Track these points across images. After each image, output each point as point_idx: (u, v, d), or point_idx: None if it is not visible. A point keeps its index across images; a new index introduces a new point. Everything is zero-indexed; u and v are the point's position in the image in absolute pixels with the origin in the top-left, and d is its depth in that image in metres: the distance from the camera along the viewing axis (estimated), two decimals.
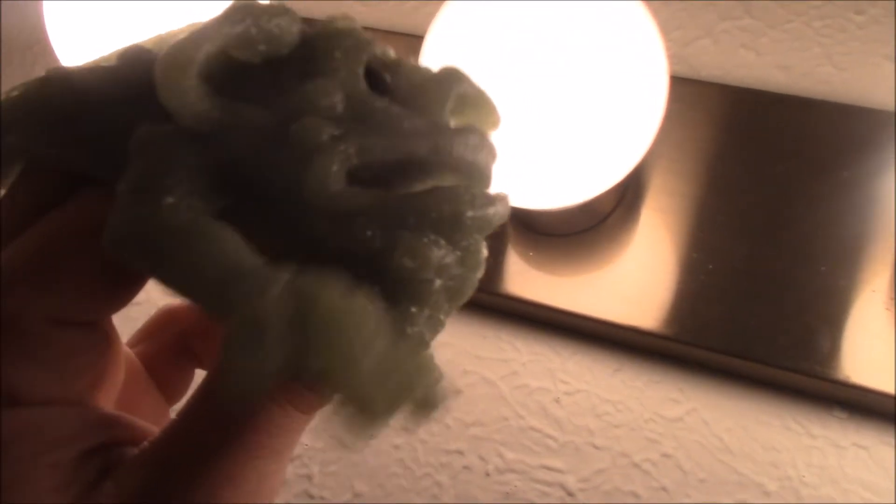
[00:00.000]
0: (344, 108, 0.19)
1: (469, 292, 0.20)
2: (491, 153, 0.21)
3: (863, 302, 0.43)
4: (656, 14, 0.41)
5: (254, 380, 0.16)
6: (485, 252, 0.20)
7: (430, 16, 0.57)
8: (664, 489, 0.44)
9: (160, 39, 0.22)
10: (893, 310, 0.43)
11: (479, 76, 0.39)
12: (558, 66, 0.39)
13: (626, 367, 0.47)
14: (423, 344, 0.19)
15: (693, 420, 0.45)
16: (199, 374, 0.28)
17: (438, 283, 0.19)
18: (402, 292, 0.19)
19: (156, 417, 0.25)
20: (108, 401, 0.22)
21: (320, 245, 0.19)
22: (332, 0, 0.59)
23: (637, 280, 0.46)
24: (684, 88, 0.50)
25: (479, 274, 0.20)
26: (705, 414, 0.45)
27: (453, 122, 0.21)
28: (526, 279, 0.48)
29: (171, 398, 0.26)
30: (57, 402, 0.19)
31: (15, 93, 0.21)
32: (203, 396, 0.19)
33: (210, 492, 0.18)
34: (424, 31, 0.56)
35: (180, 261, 0.18)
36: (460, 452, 0.47)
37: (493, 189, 0.21)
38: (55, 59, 0.50)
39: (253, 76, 0.20)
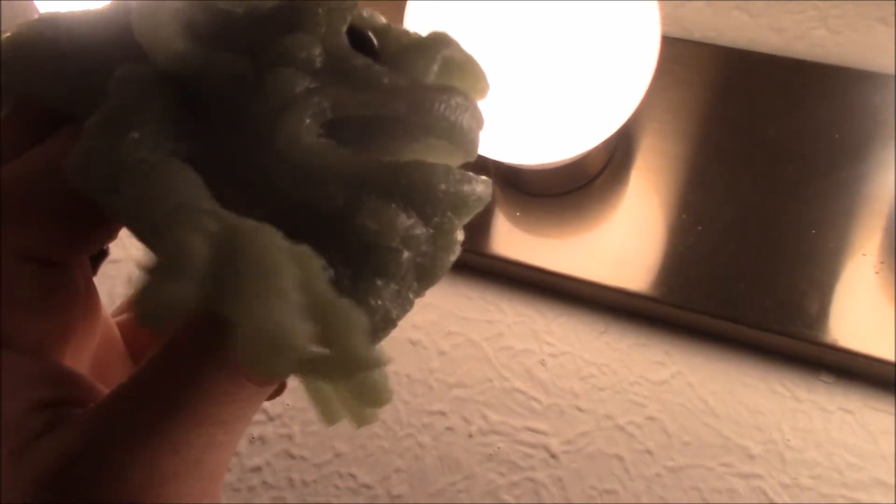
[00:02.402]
0: (323, 63, 0.19)
1: (440, 273, 0.19)
2: (475, 117, 0.20)
3: (853, 266, 0.43)
4: None
5: (163, 307, 0.16)
6: (460, 235, 0.20)
7: None
8: (648, 452, 0.43)
9: None
10: (883, 273, 0.42)
11: (467, 31, 0.38)
12: (548, 22, 0.38)
13: (612, 330, 0.46)
14: (389, 321, 0.19)
15: (678, 383, 0.44)
16: None
17: (406, 255, 0.19)
18: (366, 261, 0.18)
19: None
20: (77, 358, 0.21)
21: (285, 199, 0.19)
22: None
23: (625, 241, 0.46)
24: (677, 49, 0.49)
25: (452, 256, 0.20)
26: (691, 377, 0.44)
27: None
28: (512, 239, 0.47)
29: None
30: (13, 346, 0.19)
31: (7, 34, 0.22)
32: (154, 360, 0.18)
33: (150, 455, 0.17)
34: None
35: (133, 194, 0.17)
36: (443, 413, 0.46)
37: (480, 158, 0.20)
38: None
39: (235, 27, 0.20)
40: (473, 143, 0.20)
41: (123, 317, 0.26)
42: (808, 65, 0.48)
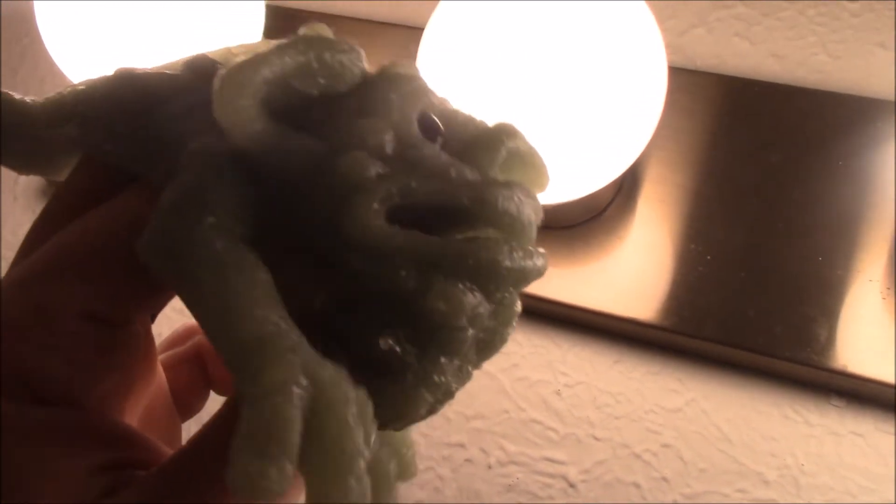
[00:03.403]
0: (393, 150, 0.19)
1: (499, 347, 0.20)
2: (536, 211, 0.20)
3: (859, 291, 0.44)
4: (649, 3, 0.41)
5: (259, 483, 0.16)
6: (518, 307, 0.20)
7: (422, 6, 0.57)
8: (665, 479, 0.44)
9: (228, 52, 0.23)
10: (890, 299, 0.43)
11: (479, 74, 0.39)
12: (558, 61, 0.39)
13: (626, 359, 0.47)
14: (449, 394, 0.19)
15: (692, 410, 0.45)
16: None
17: (471, 332, 0.19)
18: (432, 339, 0.19)
19: (169, 431, 0.25)
20: (133, 410, 0.22)
21: (353, 281, 0.19)
22: None
23: (635, 271, 0.47)
24: (681, 78, 0.50)
25: (511, 330, 0.20)
26: (704, 404, 0.45)
27: (501, 178, 0.21)
28: None
29: (185, 413, 0.26)
30: (79, 405, 0.19)
31: (81, 87, 0.22)
32: (217, 426, 0.19)
33: None
34: (417, 23, 0.56)
35: (207, 295, 0.17)
36: (462, 445, 0.47)
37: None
38: (45, 53, 0.49)
39: (309, 108, 0.20)
40: (531, 238, 0.20)
41: (162, 356, 0.27)
42: (810, 92, 0.49)
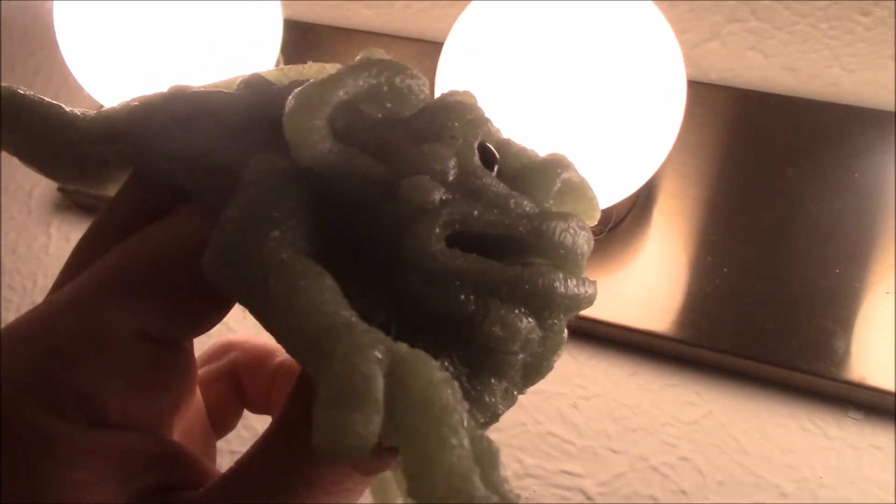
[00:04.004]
0: (455, 177, 0.20)
1: (545, 373, 0.20)
2: (588, 243, 0.21)
3: (877, 304, 0.44)
4: (664, 16, 0.41)
5: (350, 440, 0.15)
6: (566, 335, 0.20)
7: (437, 20, 0.58)
8: (683, 492, 0.44)
9: (280, 72, 0.23)
10: None
11: (497, 89, 0.39)
12: (578, 76, 0.39)
13: (643, 371, 0.47)
14: (496, 417, 0.19)
15: (710, 423, 0.45)
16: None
17: (521, 357, 0.19)
18: (484, 362, 0.19)
19: (204, 448, 0.25)
20: (179, 428, 0.22)
21: (410, 303, 0.19)
22: (337, 1, 0.59)
23: (652, 284, 0.47)
24: (696, 92, 0.50)
25: (557, 357, 0.20)
26: (722, 416, 0.45)
27: (555, 209, 0.21)
28: None
29: (219, 431, 0.26)
30: (134, 426, 0.19)
31: (135, 103, 0.22)
32: (265, 448, 0.19)
33: None
34: (431, 36, 0.56)
35: (277, 299, 0.17)
36: None
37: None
38: (59, 67, 0.49)
39: (371, 130, 0.20)
40: (582, 268, 0.21)
41: (199, 372, 0.26)
42: (824, 105, 0.49)
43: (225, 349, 0.27)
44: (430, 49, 0.43)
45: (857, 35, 0.51)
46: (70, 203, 0.60)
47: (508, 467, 0.46)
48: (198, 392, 0.25)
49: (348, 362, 0.16)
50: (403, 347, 0.17)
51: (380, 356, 0.16)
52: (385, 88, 0.20)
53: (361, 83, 0.19)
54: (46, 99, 0.23)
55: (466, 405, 0.17)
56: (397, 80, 0.20)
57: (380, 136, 0.20)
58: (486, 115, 0.21)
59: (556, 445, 0.46)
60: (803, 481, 0.43)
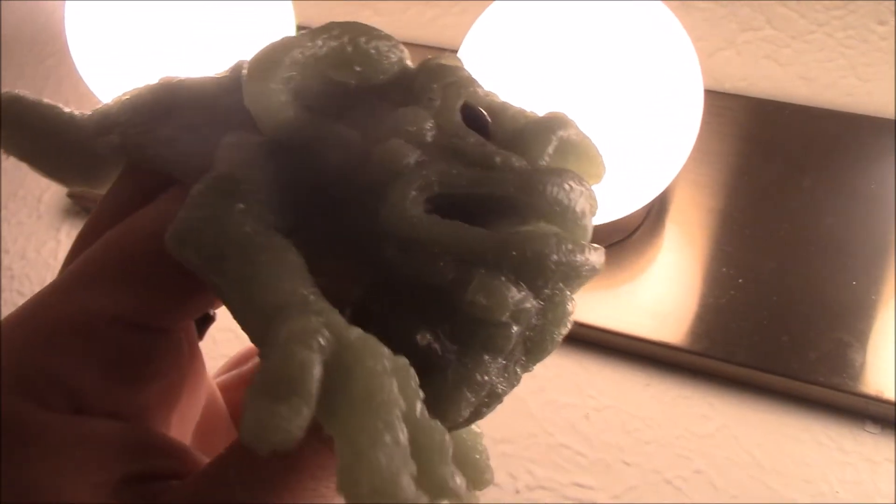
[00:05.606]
0: (434, 138, 0.19)
1: (550, 347, 0.19)
2: (590, 203, 0.19)
3: (894, 317, 0.43)
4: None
5: (273, 431, 0.14)
6: (571, 306, 0.19)
7: (450, 27, 0.57)
8: None
9: None
10: None
11: (512, 95, 0.39)
12: (592, 85, 0.39)
13: (656, 383, 0.46)
14: (495, 396, 0.18)
15: (724, 436, 0.45)
16: None
17: (516, 329, 0.18)
18: (474, 336, 0.18)
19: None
20: (183, 427, 0.21)
21: (389, 271, 0.18)
22: (350, 7, 0.59)
23: (665, 295, 0.46)
24: (711, 101, 0.49)
25: (564, 329, 0.19)
26: (736, 430, 0.45)
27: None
28: None
29: None
30: (118, 415, 0.19)
31: (126, 96, 0.22)
32: (238, 446, 0.18)
33: None
34: (444, 43, 0.56)
35: (236, 271, 0.17)
36: None
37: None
38: (70, 74, 0.49)
39: (348, 99, 0.19)
40: (586, 229, 0.19)
41: (223, 377, 0.26)
42: (839, 115, 0.48)
43: (251, 352, 0.27)
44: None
45: (872, 44, 0.51)
46: (79, 208, 0.60)
47: (519, 479, 0.46)
48: (216, 392, 0.24)
49: (286, 348, 0.15)
50: (355, 333, 0.16)
51: (322, 343, 0.15)
52: (349, 49, 0.19)
53: (320, 43, 0.18)
54: (45, 100, 0.23)
55: (422, 394, 0.16)
56: (362, 40, 0.19)
57: (354, 103, 0.19)
58: (473, 76, 0.20)
59: (568, 457, 0.46)
60: (819, 496, 0.43)
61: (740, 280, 0.45)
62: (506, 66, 0.39)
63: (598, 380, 0.47)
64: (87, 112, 0.23)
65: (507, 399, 0.50)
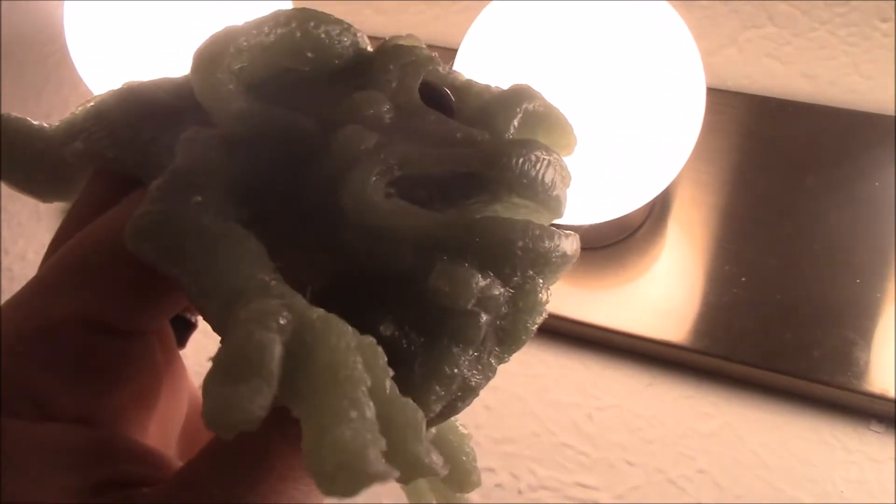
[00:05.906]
0: (392, 120, 0.18)
1: (524, 337, 0.18)
2: (560, 173, 0.18)
3: None
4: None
5: (233, 412, 0.14)
6: (544, 295, 0.18)
7: (451, 26, 0.57)
8: None
9: None
10: None
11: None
12: (594, 83, 0.38)
13: (659, 382, 0.46)
14: (469, 390, 0.18)
15: (727, 435, 0.44)
16: None
17: (484, 318, 0.17)
18: (441, 326, 0.17)
19: None
20: (164, 433, 0.21)
21: (353, 261, 0.18)
22: (350, 6, 0.59)
23: (668, 293, 0.46)
24: (713, 99, 0.49)
25: (538, 318, 0.18)
26: (740, 429, 0.44)
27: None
28: (554, 293, 0.47)
29: None
30: (88, 420, 0.19)
31: (91, 103, 0.22)
32: (210, 449, 0.18)
33: None
34: (445, 42, 0.56)
35: (196, 263, 0.16)
36: (492, 470, 0.46)
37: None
38: (70, 73, 0.49)
39: (302, 87, 0.19)
40: (558, 200, 0.19)
41: None
42: (842, 112, 0.48)
43: None
44: (444, 55, 0.42)
45: (875, 41, 0.51)
46: None
47: (522, 479, 0.46)
48: (198, 397, 0.24)
49: (245, 329, 0.15)
50: (316, 313, 0.16)
51: (283, 322, 0.15)
52: (298, 35, 0.19)
53: (266, 30, 0.18)
54: (13, 114, 0.23)
55: (391, 372, 0.16)
56: (310, 25, 0.19)
57: (310, 90, 0.19)
58: (432, 55, 0.19)
59: (571, 457, 0.46)
60: (824, 495, 0.42)
61: (743, 278, 0.45)
62: (506, 64, 0.39)
63: (601, 379, 0.47)
64: (55, 123, 0.23)
65: (509, 398, 0.50)
